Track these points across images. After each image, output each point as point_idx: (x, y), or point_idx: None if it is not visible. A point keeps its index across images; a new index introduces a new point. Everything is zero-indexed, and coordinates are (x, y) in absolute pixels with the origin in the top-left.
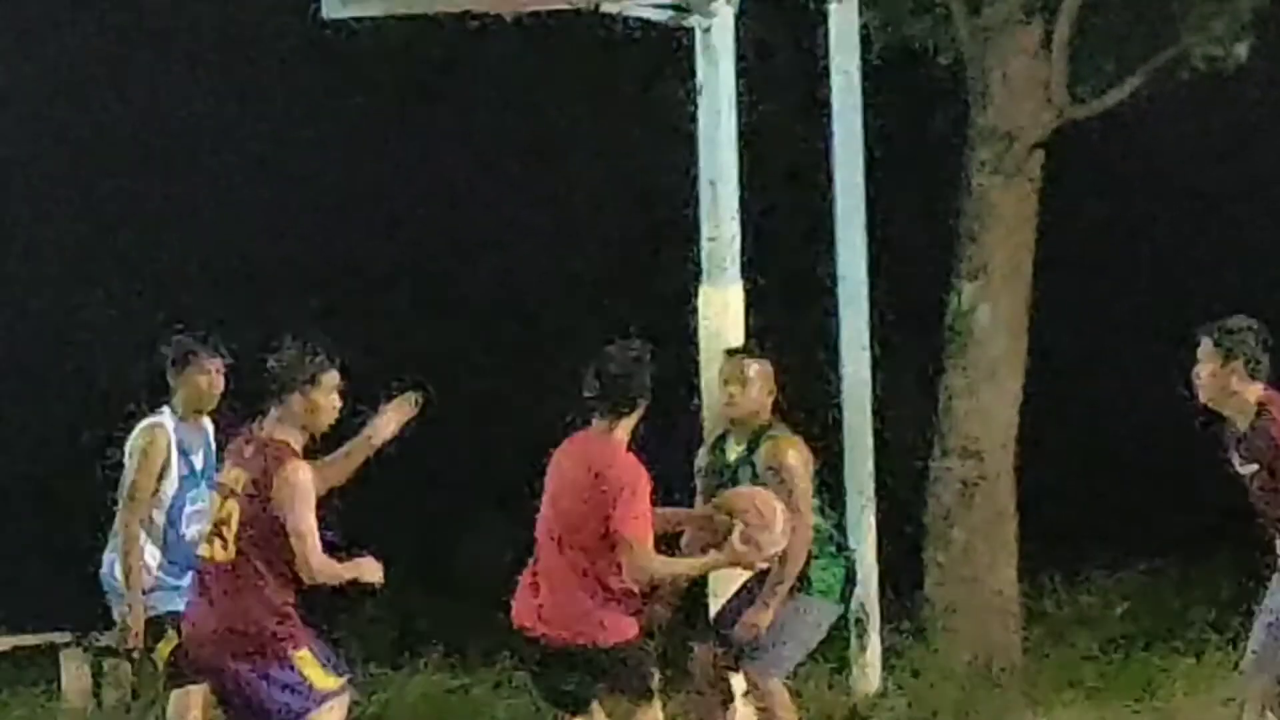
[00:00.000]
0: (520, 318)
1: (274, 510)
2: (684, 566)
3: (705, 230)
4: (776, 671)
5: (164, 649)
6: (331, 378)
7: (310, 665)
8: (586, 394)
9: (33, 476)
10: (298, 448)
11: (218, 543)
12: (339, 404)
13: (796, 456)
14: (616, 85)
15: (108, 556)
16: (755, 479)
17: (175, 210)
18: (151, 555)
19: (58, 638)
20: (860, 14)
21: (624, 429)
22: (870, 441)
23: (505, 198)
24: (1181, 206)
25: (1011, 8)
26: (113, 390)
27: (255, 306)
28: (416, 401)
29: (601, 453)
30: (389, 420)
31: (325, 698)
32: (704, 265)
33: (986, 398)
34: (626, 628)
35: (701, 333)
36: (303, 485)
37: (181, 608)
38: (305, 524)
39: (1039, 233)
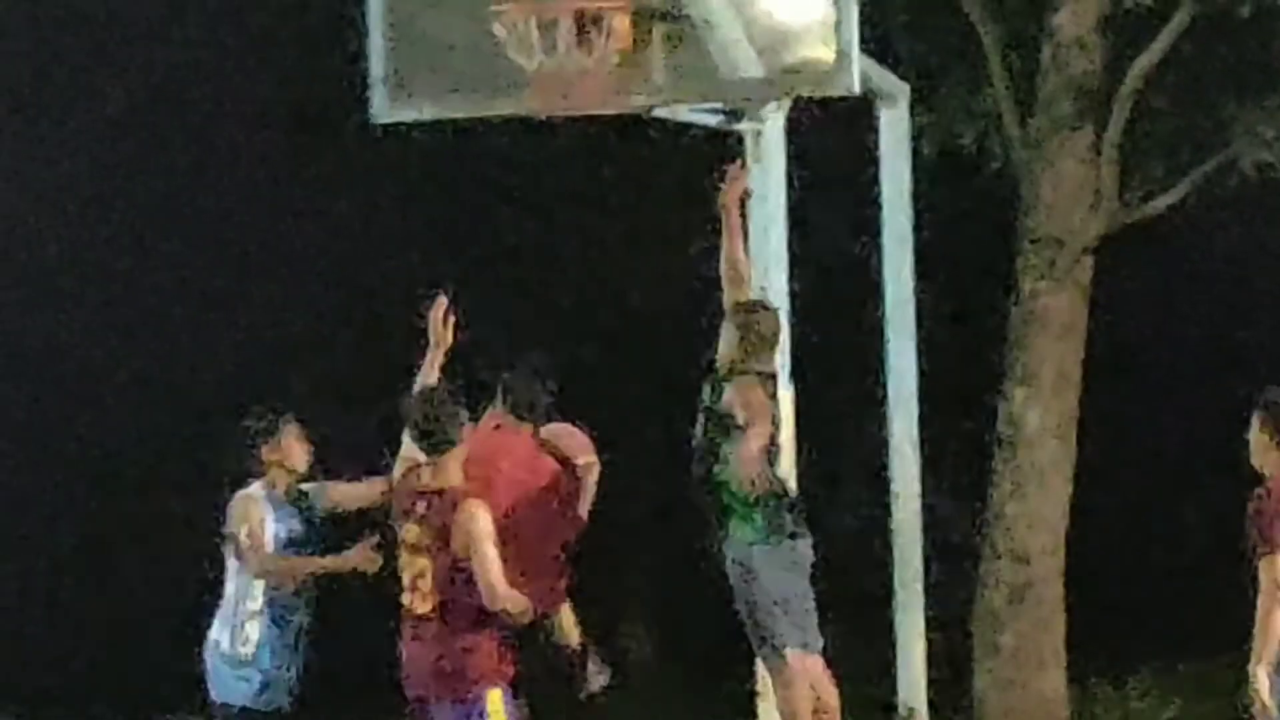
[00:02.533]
0: (570, 420)
1: (460, 556)
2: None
3: None
4: (790, 643)
5: None
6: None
7: (498, 710)
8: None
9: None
10: (468, 487)
11: (416, 595)
12: None
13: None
14: (667, 188)
15: (219, 629)
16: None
17: (225, 315)
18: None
19: None
20: (910, 118)
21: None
22: (920, 545)
23: (554, 301)
24: (1231, 311)
25: (1062, 114)
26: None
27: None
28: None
29: None
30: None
31: None
32: None
33: (1035, 502)
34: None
35: None
36: (481, 523)
37: (248, 703)
38: (488, 558)
39: (1088, 337)
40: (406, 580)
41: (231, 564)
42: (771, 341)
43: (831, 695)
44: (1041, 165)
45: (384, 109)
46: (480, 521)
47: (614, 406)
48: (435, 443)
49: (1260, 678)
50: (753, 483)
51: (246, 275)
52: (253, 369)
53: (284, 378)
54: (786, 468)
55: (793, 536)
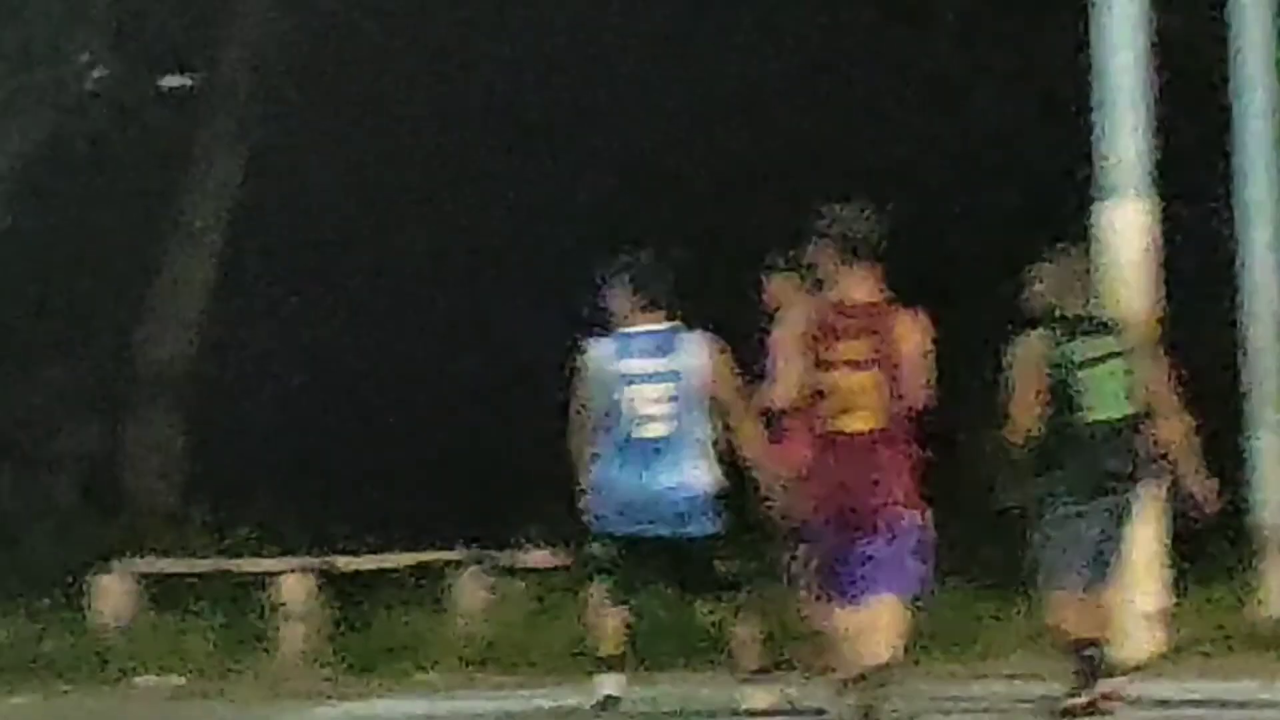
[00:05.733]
0: (921, 251)
1: (905, 365)
2: None
3: (1103, 148)
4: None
5: None
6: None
7: (931, 525)
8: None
9: (431, 398)
10: None
11: (859, 415)
12: None
13: None
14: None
15: (694, 473)
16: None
17: None
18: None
19: (455, 555)
20: None
21: None
22: (1274, 357)
23: (904, 130)
24: None
25: None
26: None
27: None
28: None
29: None
30: None
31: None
32: (1102, 183)
33: None
34: None
35: (1101, 251)
36: (926, 326)
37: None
38: (928, 364)
39: None
40: (837, 401)
41: (666, 406)
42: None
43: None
44: None
45: None
46: (926, 323)
47: None
48: (862, 254)
49: None
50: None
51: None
52: None
53: None
54: None
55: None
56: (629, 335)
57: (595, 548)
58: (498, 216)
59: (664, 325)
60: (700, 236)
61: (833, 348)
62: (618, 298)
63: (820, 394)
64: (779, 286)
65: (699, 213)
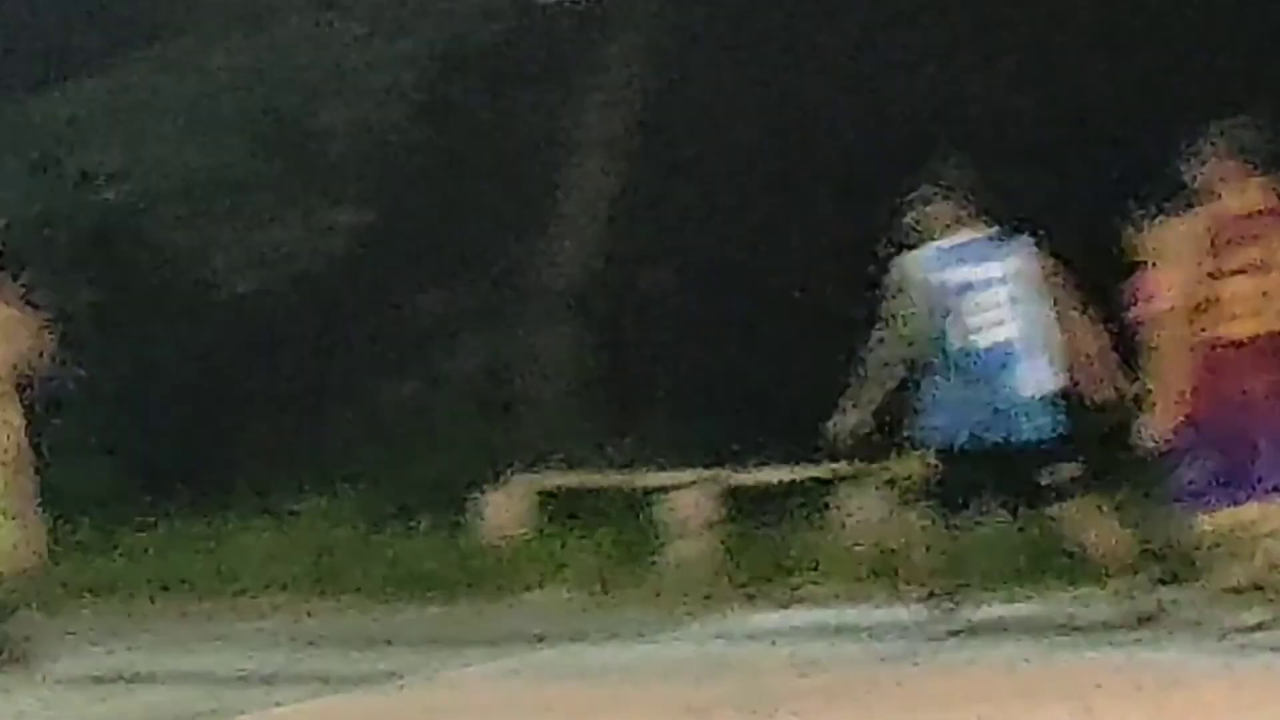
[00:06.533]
0: None
1: None
2: None
3: None
4: None
5: None
6: None
7: None
8: None
9: (833, 314)
10: None
11: (1249, 320)
12: None
13: None
14: None
15: (1034, 376)
16: None
17: None
18: None
19: (848, 469)
20: None
21: None
22: None
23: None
24: None
25: None
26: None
27: None
28: None
29: None
30: None
31: None
32: None
33: None
34: None
35: None
36: None
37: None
38: None
39: None
40: (1227, 307)
41: (998, 313)
42: None
43: None
44: None
45: None
46: None
47: None
48: (1253, 163)
49: None
50: None
51: None
52: None
53: None
54: None
55: None
56: (951, 246)
57: (925, 466)
58: (895, 132)
59: (983, 233)
60: (1062, 164)
61: (1225, 255)
62: (936, 209)
63: (1210, 301)
64: (1139, 239)
65: (1058, 142)
